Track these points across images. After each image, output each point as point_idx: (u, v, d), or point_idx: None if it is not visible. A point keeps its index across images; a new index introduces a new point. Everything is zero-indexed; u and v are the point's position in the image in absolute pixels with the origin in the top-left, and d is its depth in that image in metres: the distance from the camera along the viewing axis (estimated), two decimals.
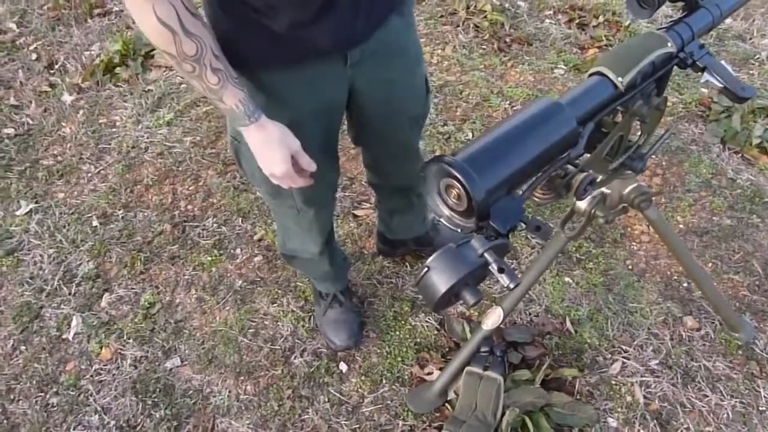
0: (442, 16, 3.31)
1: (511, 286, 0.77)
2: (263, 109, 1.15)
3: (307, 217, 1.53)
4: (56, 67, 3.18)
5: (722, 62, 1.11)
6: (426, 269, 0.82)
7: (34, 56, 3.28)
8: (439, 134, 2.54)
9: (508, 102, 2.70)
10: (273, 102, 1.22)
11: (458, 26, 3.22)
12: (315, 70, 1.21)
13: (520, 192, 0.89)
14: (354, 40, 1.20)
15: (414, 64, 1.40)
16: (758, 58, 2.91)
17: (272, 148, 1.14)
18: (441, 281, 0.80)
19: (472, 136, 2.52)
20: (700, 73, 1.11)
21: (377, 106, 1.38)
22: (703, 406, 1.67)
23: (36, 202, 2.43)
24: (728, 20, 3.17)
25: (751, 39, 3.06)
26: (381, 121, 1.43)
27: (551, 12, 3.34)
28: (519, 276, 0.81)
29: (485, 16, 3.21)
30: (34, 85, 3.07)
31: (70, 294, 2.09)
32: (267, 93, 1.22)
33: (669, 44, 1.04)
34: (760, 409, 1.66)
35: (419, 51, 1.42)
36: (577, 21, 3.23)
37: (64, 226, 2.32)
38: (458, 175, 0.79)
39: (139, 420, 1.75)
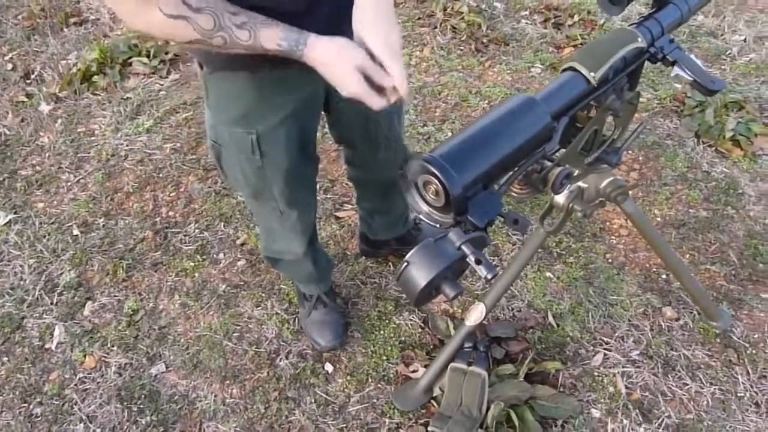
0: (419, 18, 3.34)
1: (489, 276, 0.79)
2: (250, 109, 1.14)
3: (290, 218, 1.54)
4: (33, 76, 3.16)
5: (692, 56, 1.14)
6: (405, 264, 0.83)
7: (9, 66, 3.26)
8: (419, 135, 2.56)
9: (486, 102, 2.73)
10: (260, 102, 1.23)
11: (436, 28, 3.24)
12: (296, 72, 1.21)
13: (497, 187, 0.91)
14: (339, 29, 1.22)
15: None
16: (729, 53, 2.97)
17: (334, 67, 1.03)
18: (420, 275, 0.82)
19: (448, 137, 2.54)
20: (671, 68, 1.14)
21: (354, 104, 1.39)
22: (684, 394, 1.70)
23: (15, 213, 2.41)
24: (700, 17, 3.23)
25: (722, 35, 3.12)
26: (359, 116, 1.44)
27: (527, 12, 3.38)
28: (497, 268, 0.83)
29: (462, 18, 3.24)
30: (10, 95, 3.04)
31: (52, 303, 2.08)
32: (255, 93, 1.23)
33: (639, 39, 1.07)
34: (739, 395, 1.69)
35: None
36: (553, 21, 3.27)
37: (45, 236, 2.30)
38: (435, 171, 0.80)
39: (125, 427, 1.75)
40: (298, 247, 1.65)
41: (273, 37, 1.00)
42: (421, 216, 0.88)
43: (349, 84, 1.02)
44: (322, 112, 1.45)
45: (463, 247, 0.80)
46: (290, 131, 1.31)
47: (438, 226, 0.86)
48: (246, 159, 1.34)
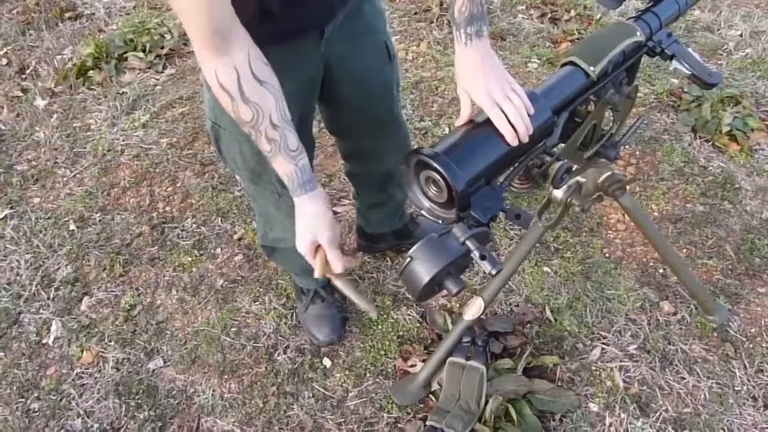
0: (416, 13, 3.33)
1: (494, 272, 0.79)
2: None
3: (288, 201, 1.53)
4: (28, 71, 3.15)
5: (690, 50, 1.14)
6: (409, 259, 0.83)
7: (4, 61, 3.24)
8: (416, 130, 2.56)
9: None
10: None
11: (432, 23, 3.24)
12: (295, 49, 1.22)
13: (499, 182, 0.91)
14: (333, 14, 1.22)
15: (381, 34, 1.42)
16: (726, 48, 2.97)
17: (300, 223, 1.15)
18: (424, 271, 0.82)
19: (449, 132, 2.54)
20: (668, 61, 1.14)
21: (351, 76, 1.39)
22: (681, 388, 1.70)
23: (11, 208, 2.40)
24: (696, 12, 3.23)
25: (718, 30, 3.12)
26: (356, 89, 1.43)
27: (524, 7, 3.38)
28: (501, 261, 0.83)
29: None
30: (5, 90, 3.03)
31: (48, 299, 2.07)
32: None
33: (638, 33, 1.07)
34: (736, 389, 1.70)
35: (383, 18, 1.44)
36: (549, 15, 3.27)
37: (41, 231, 2.30)
38: (438, 167, 0.80)
39: (123, 422, 1.74)
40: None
41: (285, 168, 1.07)
42: (422, 212, 0.88)
43: (299, 244, 1.15)
44: (316, 107, 1.46)
45: (468, 242, 0.80)
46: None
47: (440, 222, 0.86)
48: (245, 140, 1.33)
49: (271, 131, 1.02)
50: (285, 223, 1.62)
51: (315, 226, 1.13)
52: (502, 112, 0.93)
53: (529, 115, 0.92)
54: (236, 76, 0.95)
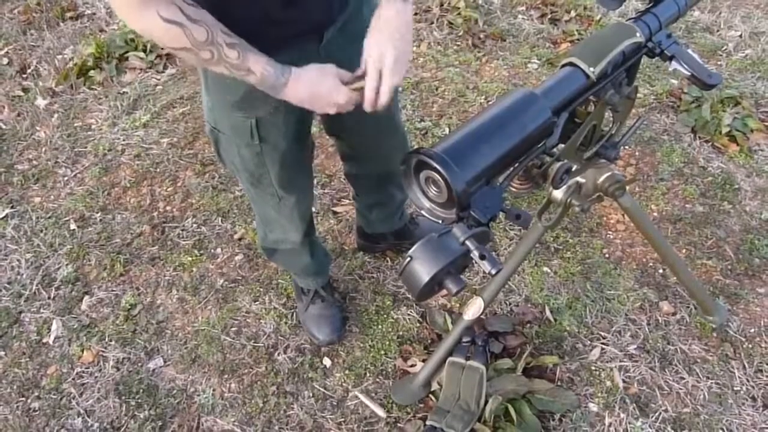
0: (416, 14, 3.33)
1: (493, 272, 0.79)
2: (249, 94, 1.17)
3: (288, 204, 1.54)
4: (29, 71, 3.15)
5: (689, 51, 1.14)
6: (408, 259, 0.83)
7: (5, 61, 3.25)
8: (416, 130, 2.56)
9: (483, 97, 2.73)
10: (255, 92, 1.24)
11: (432, 23, 3.24)
12: (294, 54, 1.22)
13: (499, 182, 0.91)
14: (333, 18, 1.23)
15: None
16: (725, 49, 2.98)
17: (320, 87, 1.12)
18: (424, 270, 0.82)
19: (449, 132, 2.54)
20: (668, 62, 1.15)
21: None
22: (681, 388, 1.71)
23: (12, 207, 2.41)
24: (696, 12, 3.24)
25: (718, 31, 3.12)
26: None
27: (524, 8, 3.38)
28: (501, 261, 0.83)
29: (459, 13, 3.24)
30: (6, 89, 3.03)
31: (49, 298, 2.07)
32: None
33: (637, 34, 1.07)
34: (735, 389, 1.70)
35: None
36: (549, 16, 3.27)
37: (42, 231, 2.30)
38: (438, 167, 0.81)
39: (123, 421, 1.75)
40: (295, 235, 1.65)
41: (260, 61, 1.06)
42: (422, 212, 0.88)
43: (339, 97, 1.12)
44: None
45: (467, 242, 0.80)
46: (288, 116, 1.32)
47: (440, 222, 0.86)
48: (245, 144, 1.35)
49: (229, 38, 1.03)
50: (285, 225, 1.62)
51: (326, 72, 1.13)
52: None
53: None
54: (176, 6, 0.97)
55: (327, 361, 1.84)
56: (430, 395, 1.69)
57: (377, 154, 1.66)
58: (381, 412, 1.67)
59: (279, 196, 1.50)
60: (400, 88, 1.62)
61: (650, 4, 1.15)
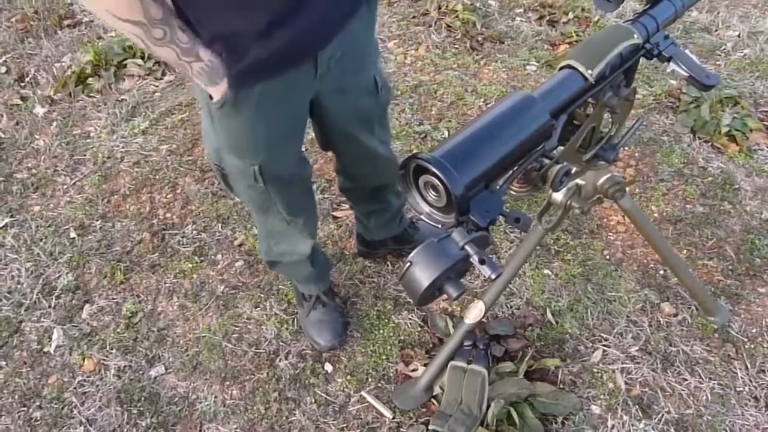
0: (414, 17, 3.34)
1: (493, 276, 0.79)
2: (255, 144, 1.27)
3: (297, 225, 1.60)
4: (27, 79, 3.15)
5: (687, 52, 1.14)
6: (408, 264, 0.83)
7: (3, 69, 3.25)
8: (415, 134, 2.56)
9: (482, 100, 2.73)
10: (265, 135, 1.28)
11: (431, 26, 3.24)
12: (288, 80, 1.22)
13: (498, 185, 0.91)
14: (330, 34, 1.22)
15: (371, 69, 1.44)
16: (724, 49, 2.98)
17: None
18: (423, 276, 0.82)
19: (448, 135, 2.54)
20: (666, 63, 1.14)
21: (339, 109, 1.42)
22: (683, 390, 1.70)
23: (11, 216, 2.41)
24: (694, 13, 3.24)
25: (716, 31, 3.12)
26: (343, 122, 1.47)
27: (522, 10, 3.38)
28: (500, 267, 0.83)
29: (457, 16, 3.24)
30: (4, 98, 3.03)
31: (50, 307, 2.07)
32: (263, 131, 1.29)
33: (635, 36, 1.07)
34: (738, 389, 1.70)
35: (376, 51, 1.47)
36: (548, 18, 3.27)
37: (41, 239, 2.30)
38: (436, 171, 0.80)
39: (125, 430, 1.74)
40: (304, 248, 1.68)
41: (207, 51, 1.09)
42: (422, 216, 0.87)
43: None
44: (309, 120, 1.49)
45: (467, 246, 0.80)
46: (288, 153, 1.40)
47: (440, 226, 0.86)
48: (249, 186, 1.41)
49: (182, 23, 1.05)
50: (294, 239, 1.66)
51: None
52: None
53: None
54: None
55: (329, 367, 1.83)
56: (432, 399, 1.69)
57: (365, 176, 1.72)
58: (387, 413, 1.67)
59: (287, 220, 1.56)
60: (397, 123, 1.67)
61: (648, 6, 1.15)
